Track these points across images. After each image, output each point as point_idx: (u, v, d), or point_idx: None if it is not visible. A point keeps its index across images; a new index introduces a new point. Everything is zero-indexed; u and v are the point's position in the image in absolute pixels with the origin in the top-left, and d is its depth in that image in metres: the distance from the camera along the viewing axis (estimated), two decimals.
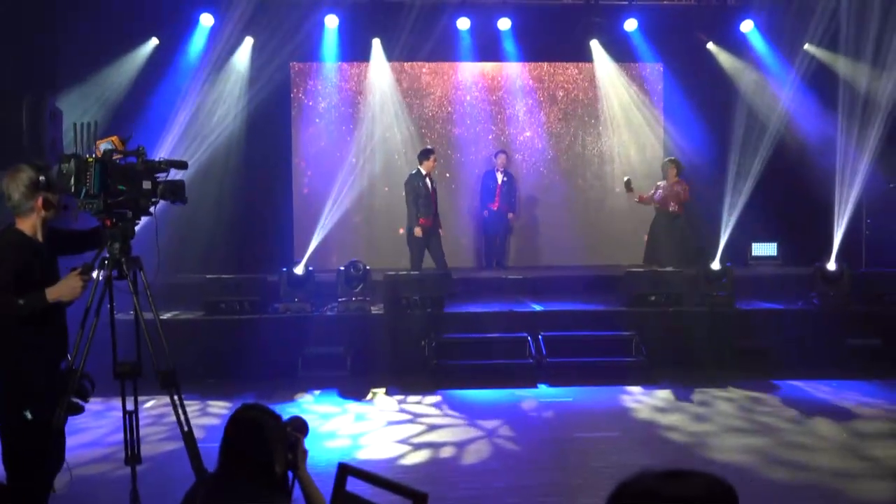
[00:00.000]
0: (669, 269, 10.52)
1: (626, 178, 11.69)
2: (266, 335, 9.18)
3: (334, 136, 13.52)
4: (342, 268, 9.81)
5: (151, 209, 4.80)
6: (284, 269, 9.87)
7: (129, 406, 4.79)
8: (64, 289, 4.38)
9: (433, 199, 11.14)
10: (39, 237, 4.51)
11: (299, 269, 9.90)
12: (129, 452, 4.70)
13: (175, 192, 4.86)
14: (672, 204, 11.40)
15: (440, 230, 11.32)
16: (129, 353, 4.87)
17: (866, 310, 9.85)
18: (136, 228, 4.83)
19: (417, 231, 10.88)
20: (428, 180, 11.10)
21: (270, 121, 13.07)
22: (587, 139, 13.94)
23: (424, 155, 11.10)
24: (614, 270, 11.40)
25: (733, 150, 12.37)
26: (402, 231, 11.55)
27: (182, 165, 4.90)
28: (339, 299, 9.67)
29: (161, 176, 4.84)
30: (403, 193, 11.32)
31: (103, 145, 4.62)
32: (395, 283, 9.75)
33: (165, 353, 4.83)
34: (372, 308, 9.75)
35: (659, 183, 11.78)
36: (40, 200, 4.46)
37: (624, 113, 13.80)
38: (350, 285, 9.73)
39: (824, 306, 9.91)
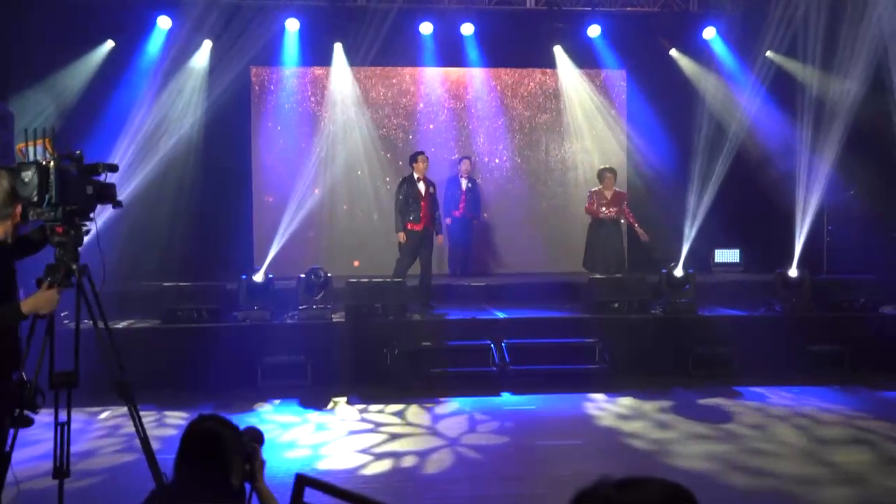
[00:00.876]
0: (619, 275, 10.65)
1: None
2: (225, 344, 9.11)
3: (295, 141, 13.48)
4: (303, 275, 9.78)
5: (92, 214, 4.76)
6: (244, 277, 9.81)
7: (63, 418, 4.70)
8: (41, 302, 4.34)
9: (424, 203, 10.60)
10: (10, 242, 4.48)
11: (259, 277, 9.85)
12: (57, 466, 4.62)
13: (112, 195, 4.84)
14: (612, 211, 11.31)
15: (438, 237, 10.90)
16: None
17: (827, 316, 10.02)
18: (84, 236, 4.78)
19: (401, 237, 10.66)
20: (421, 184, 10.67)
21: (230, 125, 12.99)
22: (551, 145, 14.04)
23: (412, 158, 10.93)
24: (577, 277, 11.46)
25: (696, 156, 12.49)
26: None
27: (113, 168, 4.87)
28: (300, 307, 9.64)
29: (97, 180, 4.80)
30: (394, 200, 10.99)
31: (31, 148, 4.55)
32: (357, 290, 9.73)
33: (119, 363, 4.78)
34: (333, 316, 9.72)
35: (593, 189, 11.62)
36: (19, 207, 4.43)
37: (587, 119, 13.92)
38: (311, 293, 9.70)
39: (786, 313, 10.06)
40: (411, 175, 10.75)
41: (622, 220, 11.45)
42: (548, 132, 14.03)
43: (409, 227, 10.58)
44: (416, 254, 10.64)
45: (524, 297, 11.29)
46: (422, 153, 10.90)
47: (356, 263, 13.08)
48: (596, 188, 11.42)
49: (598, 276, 10.66)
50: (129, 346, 8.49)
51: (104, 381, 4.78)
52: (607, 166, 11.70)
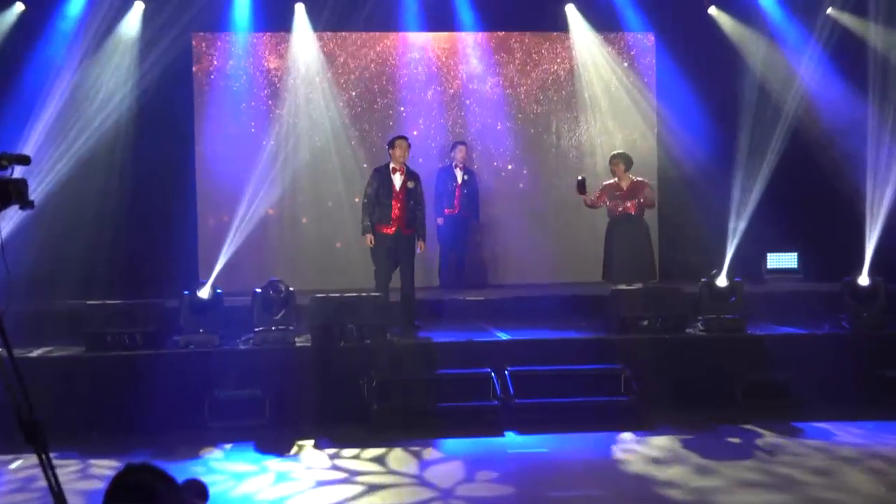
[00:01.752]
0: (640, 285, 10.67)
1: (579, 177, 11.38)
2: (164, 375, 9.07)
3: (248, 124, 13.49)
4: (259, 290, 9.75)
5: None
6: (186, 293, 9.79)
7: None
8: None
9: (397, 201, 10.51)
10: None
11: (205, 292, 9.82)
12: None
13: (20, 193, 4.78)
14: (628, 205, 11.27)
15: (418, 242, 10.67)
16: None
17: None
18: None
19: (368, 240, 10.59)
20: (397, 176, 10.57)
21: (167, 105, 13.00)
22: (562, 127, 14.07)
23: (389, 143, 10.82)
24: (597, 289, 11.44)
25: (742, 138, 12.51)
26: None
27: (24, 160, 4.83)
28: (256, 329, 9.60)
29: (1, 175, 4.76)
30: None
31: None
32: (325, 307, 9.69)
33: (26, 399, 4.74)
34: (297, 340, 9.69)
35: (606, 182, 11.62)
36: None
37: (607, 94, 13.96)
38: (269, 311, 9.66)
39: (855, 330, 10.05)
40: (386, 165, 10.70)
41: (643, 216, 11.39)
42: (559, 111, 14.06)
43: (379, 229, 10.54)
44: (393, 262, 10.59)
45: (531, 315, 11.27)
46: (401, 138, 10.82)
47: (338, 245, 12.99)
48: (610, 181, 11.39)
49: (622, 287, 10.64)
50: (44, 379, 8.51)
51: (12, 422, 4.75)
52: (618, 152, 11.70)
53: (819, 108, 12.92)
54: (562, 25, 13.79)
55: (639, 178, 11.37)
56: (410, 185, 10.65)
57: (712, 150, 13.14)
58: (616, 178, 11.26)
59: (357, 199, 11.76)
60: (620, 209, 11.14)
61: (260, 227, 12.58)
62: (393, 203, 10.51)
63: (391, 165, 10.62)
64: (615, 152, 11.68)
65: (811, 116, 12.93)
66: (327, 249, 13.46)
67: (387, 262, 10.57)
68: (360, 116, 13.74)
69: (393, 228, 10.51)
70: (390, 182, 10.58)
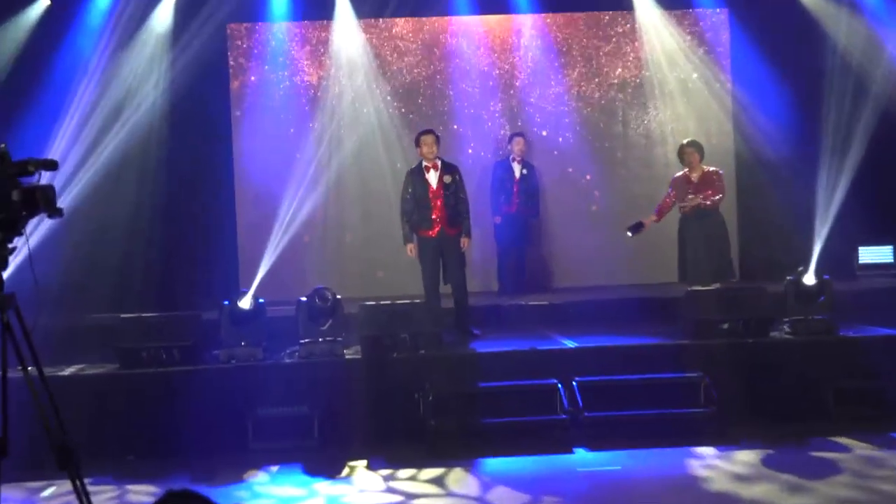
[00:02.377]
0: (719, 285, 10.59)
1: (631, 227, 11.37)
2: (204, 393, 9.10)
3: (287, 120, 13.58)
4: (304, 298, 9.77)
5: (21, 227, 4.77)
6: (226, 303, 9.83)
7: None
8: None
9: (438, 200, 10.55)
10: None
11: (246, 302, 9.85)
12: None
13: (48, 202, 4.83)
14: (701, 198, 11.16)
15: (463, 240, 10.69)
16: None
17: None
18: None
19: (409, 249, 10.65)
20: (432, 174, 10.63)
21: (202, 103, 13.12)
22: (629, 114, 14.01)
23: (416, 141, 10.89)
24: (671, 291, 11.36)
25: (828, 123, 12.38)
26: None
27: (51, 165, 4.87)
28: (302, 341, 9.62)
29: (28, 181, 4.81)
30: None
31: None
32: (375, 316, 9.69)
33: (59, 422, 4.78)
34: (346, 352, 9.70)
35: (675, 175, 11.50)
36: None
37: (678, 77, 13.89)
38: (315, 322, 9.68)
39: None
40: (419, 164, 10.73)
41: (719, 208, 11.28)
42: (625, 96, 14.02)
43: (421, 233, 10.58)
44: (441, 265, 10.63)
45: (600, 320, 11.22)
46: (426, 133, 10.81)
47: (380, 274, 13.05)
48: (680, 173, 11.30)
49: (698, 287, 10.53)
50: (76, 398, 8.60)
51: (44, 446, 4.79)
52: (691, 140, 11.59)
53: None
54: (625, 4, 13.76)
55: (710, 168, 11.27)
56: (447, 179, 10.65)
57: (794, 135, 13.02)
58: (686, 170, 11.18)
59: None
60: (690, 207, 11.05)
61: (303, 231, 12.63)
62: (432, 203, 10.54)
63: (423, 164, 10.65)
64: (688, 140, 11.57)
65: None
66: (375, 254, 13.46)
67: (434, 267, 10.60)
68: (408, 109, 13.77)
69: (436, 230, 10.54)
70: (425, 181, 10.61)
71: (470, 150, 13.60)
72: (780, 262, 11.62)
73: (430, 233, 10.56)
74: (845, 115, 12.38)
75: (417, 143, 10.75)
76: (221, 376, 9.36)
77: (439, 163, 10.68)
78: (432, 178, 10.62)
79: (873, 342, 9.90)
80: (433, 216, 10.53)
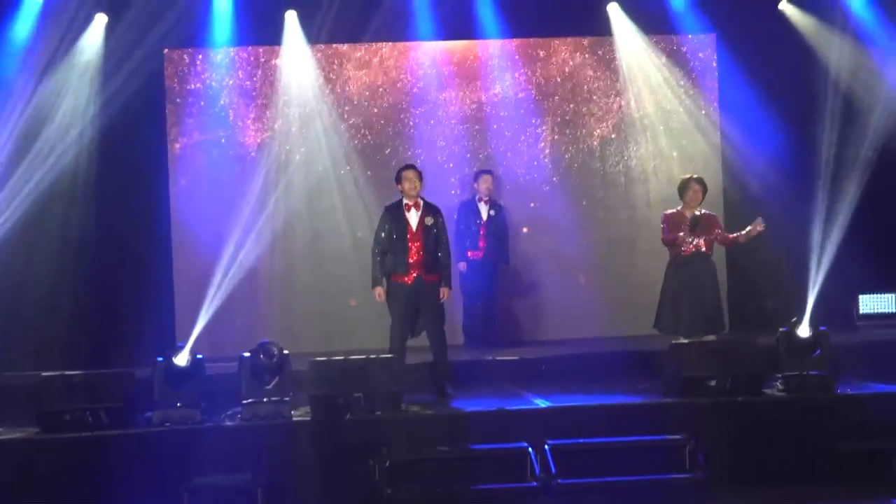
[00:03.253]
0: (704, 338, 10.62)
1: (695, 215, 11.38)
2: (135, 460, 9.04)
3: (232, 156, 13.55)
4: (247, 354, 9.74)
5: None
6: (160, 360, 9.78)
7: None
8: None
9: (416, 242, 10.52)
10: None
11: (182, 359, 9.81)
12: None
13: None
14: (701, 241, 11.24)
15: (443, 290, 10.70)
16: None
17: None
18: None
19: (378, 294, 10.62)
20: (413, 214, 10.60)
21: (135, 136, 13.10)
22: (608, 149, 14.11)
23: (397, 176, 10.85)
24: (653, 344, 11.41)
25: (823, 157, 12.49)
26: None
27: None
28: (244, 402, 9.58)
29: None
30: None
31: None
32: (326, 373, 9.68)
33: None
34: (293, 413, 9.67)
35: (668, 212, 11.57)
36: None
37: (660, 108, 14.02)
38: (259, 380, 9.64)
39: None
40: (398, 201, 10.73)
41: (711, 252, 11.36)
42: (602, 130, 14.10)
43: (394, 278, 10.54)
44: (413, 316, 10.60)
45: (575, 377, 11.25)
46: (408, 168, 10.83)
47: (353, 303, 13.07)
48: (674, 209, 11.38)
49: (683, 341, 10.59)
50: None
51: None
52: (692, 175, 11.67)
53: None
54: (603, 28, 13.87)
55: (706, 211, 11.34)
56: (429, 221, 10.63)
57: (788, 172, 13.17)
58: (680, 207, 11.25)
59: (366, 242, 11.75)
60: (693, 246, 11.12)
61: (248, 280, 12.57)
62: (410, 245, 10.50)
63: (404, 202, 10.65)
64: (694, 175, 11.57)
65: None
66: (328, 305, 13.47)
67: (406, 318, 10.56)
68: (365, 145, 13.81)
69: (412, 276, 10.50)
70: (404, 221, 10.58)
71: (433, 189, 13.61)
72: (773, 313, 11.74)
73: (405, 279, 10.51)
74: (842, 149, 12.51)
75: (398, 180, 10.71)
76: (154, 441, 9.27)
77: (421, 202, 10.66)
78: (412, 217, 10.59)
79: (874, 400, 9.97)
80: (410, 260, 10.48)
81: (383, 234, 10.61)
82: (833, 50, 13.27)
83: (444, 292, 10.73)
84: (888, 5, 13.06)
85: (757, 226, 10.96)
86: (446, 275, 10.76)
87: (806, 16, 13.57)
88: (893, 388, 10.22)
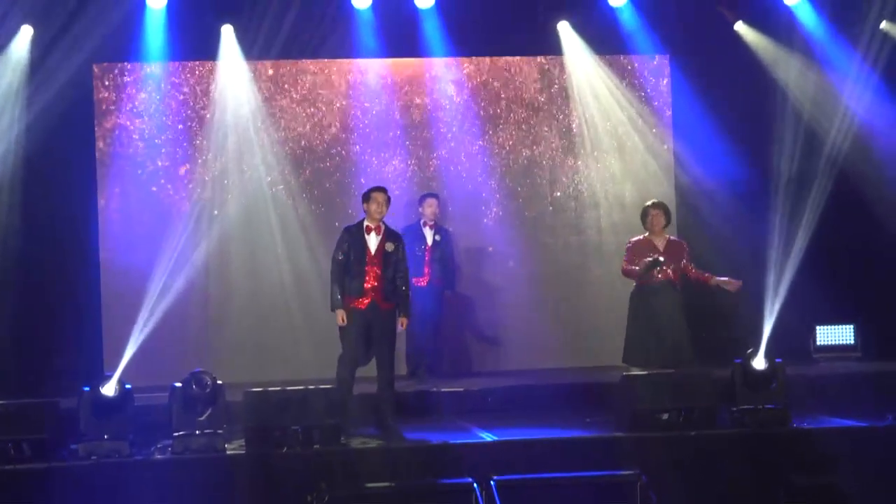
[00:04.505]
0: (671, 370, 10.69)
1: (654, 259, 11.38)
2: (59, 496, 8.99)
3: (163, 176, 13.50)
4: (179, 384, 9.70)
5: None
6: (86, 389, 9.72)
7: None
8: None
9: (374, 267, 10.46)
10: None
11: (110, 388, 9.75)
12: None
13: None
14: (669, 271, 11.35)
15: (401, 320, 10.72)
16: None
17: None
18: None
19: (339, 317, 10.46)
20: (373, 237, 10.54)
21: (61, 154, 13.00)
22: (557, 173, 14.19)
23: (364, 195, 10.78)
24: (604, 376, 11.48)
25: (778, 180, 12.63)
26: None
27: None
28: (175, 434, 9.54)
29: None
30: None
31: None
32: (262, 404, 9.68)
33: None
34: (227, 446, 9.64)
35: (634, 239, 11.71)
36: None
37: (612, 131, 14.10)
38: (192, 411, 9.60)
39: None
40: (359, 223, 10.70)
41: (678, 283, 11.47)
42: (552, 153, 14.18)
43: (348, 302, 10.53)
44: (366, 344, 10.54)
45: (523, 409, 11.30)
46: (380, 190, 10.76)
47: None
48: (638, 237, 11.48)
49: (634, 373, 10.67)
50: None
51: None
52: (654, 201, 11.78)
53: (872, 141, 13.09)
54: (552, 48, 13.95)
55: (674, 237, 11.46)
56: (389, 247, 10.59)
57: (743, 196, 13.32)
58: (647, 234, 11.34)
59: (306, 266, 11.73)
60: (660, 275, 11.21)
61: (180, 305, 12.49)
62: (367, 270, 10.43)
63: (365, 223, 10.60)
64: (654, 201, 11.69)
65: (863, 152, 13.10)
66: (264, 332, 13.44)
67: (357, 345, 10.48)
68: (304, 165, 13.79)
69: (366, 301, 10.43)
70: (363, 243, 10.52)
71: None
72: (727, 344, 11.80)
73: (359, 304, 10.44)
74: (798, 174, 12.65)
75: (366, 199, 10.65)
76: (80, 476, 9.20)
77: (383, 227, 10.62)
78: (372, 241, 10.53)
79: (831, 434, 10.05)
80: (365, 285, 10.41)
81: (341, 256, 10.55)
82: (789, 71, 13.44)
83: (402, 322, 10.75)
84: (844, 26, 13.24)
85: (733, 283, 11.13)
86: (405, 304, 10.74)
87: (761, 37, 13.70)
88: (850, 423, 10.35)
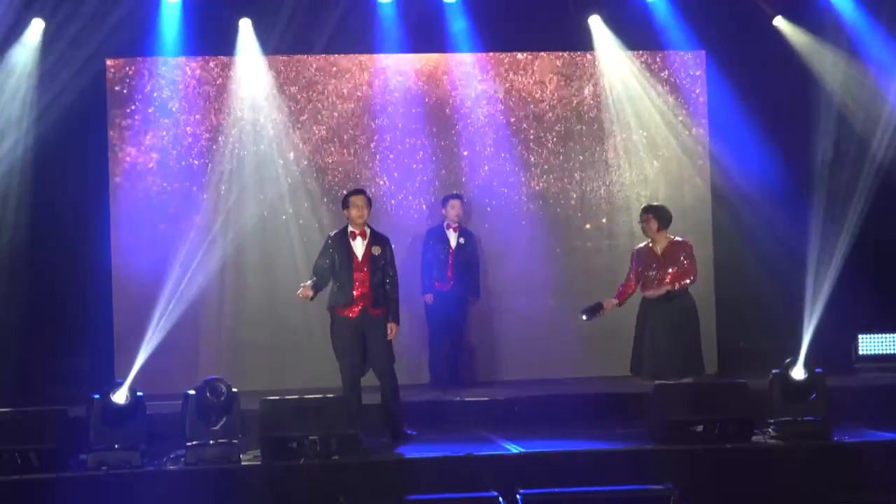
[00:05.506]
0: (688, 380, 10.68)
1: (587, 310, 11.52)
2: None
3: (179, 172, 13.55)
4: (192, 392, 9.71)
5: None
6: (97, 397, 9.74)
7: None
8: None
9: (363, 271, 10.47)
10: None
11: (121, 396, 9.77)
12: None
13: None
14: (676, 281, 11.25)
15: (391, 326, 10.64)
16: None
17: None
18: None
19: (301, 291, 10.50)
20: (358, 242, 10.56)
21: (73, 152, 13.07)
22: (587, 174, 14.17)
23: (343, 202, 10.80)
24: (635, 386, 11.45)
25: (821, 185, 12.57)
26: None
27: None
28: (188, 444, 9.55)
29: None
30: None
31: None
32: (278, 413, 9.67)
33: None
34: (242, 457, 9.64)
35: (637, 247, 11.65)
36: None
37: (645, 131, 14.11)
38: (206, 420, 9.61)
39: None
40: (343, 229, 10.71)
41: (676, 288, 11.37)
42: (582, 153, 14.17)
43: (337, 312, 10.54)
44: (363, 353, 10.56)
45: (551, 421, 11.27)
46: (356, 193, 10.79)
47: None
48: (643, 244, 11.41)
49: (667, 382, 10.62)
50: None
51: None
52: (645, 205, 11.75)
53: None
54: (583, 43, 13.95)
55: (677, 238, 11.36)
56: (376, 251, 10.59)
57: (782, 202, 13.26)
58: (649, 241, 11.28)
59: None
60: (656, 282, 11.16)
61: (194, 311, 12.54)
62: (354, 277, 10.45)
63: (349, 229, 10.62)
64: (645, 205, 11.70)
65: None
66: (280, 338, 13.46)
67: (353, 354, 10.51)
68: (323, 165, 13.83)
69: (357, 310, 10.45)
70: (349, 249, 10.54)
71: (396, 214, 13.62)
72: (765, 353, 11.74)
73: (349, 312, 10.47)
74: (841, 176, 12.59)
75: (345, 205, 10.67)
76: (90, 487, 9.20)
77: (368, 231, 10.62)
78: (358, 247, 10.54)
79: (872, 448, 9.99)
80: (354, 293, 10.43)
81: (325, 265, 10.58)
82: (831, 68, 13.40)
83: (391, 328, 10.66)
84: (888, 22, 13.17)
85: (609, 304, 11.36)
86: (394, 310, 10.69)
87: (802, 32, 13.66)
88: (893, 436, 10.28)
